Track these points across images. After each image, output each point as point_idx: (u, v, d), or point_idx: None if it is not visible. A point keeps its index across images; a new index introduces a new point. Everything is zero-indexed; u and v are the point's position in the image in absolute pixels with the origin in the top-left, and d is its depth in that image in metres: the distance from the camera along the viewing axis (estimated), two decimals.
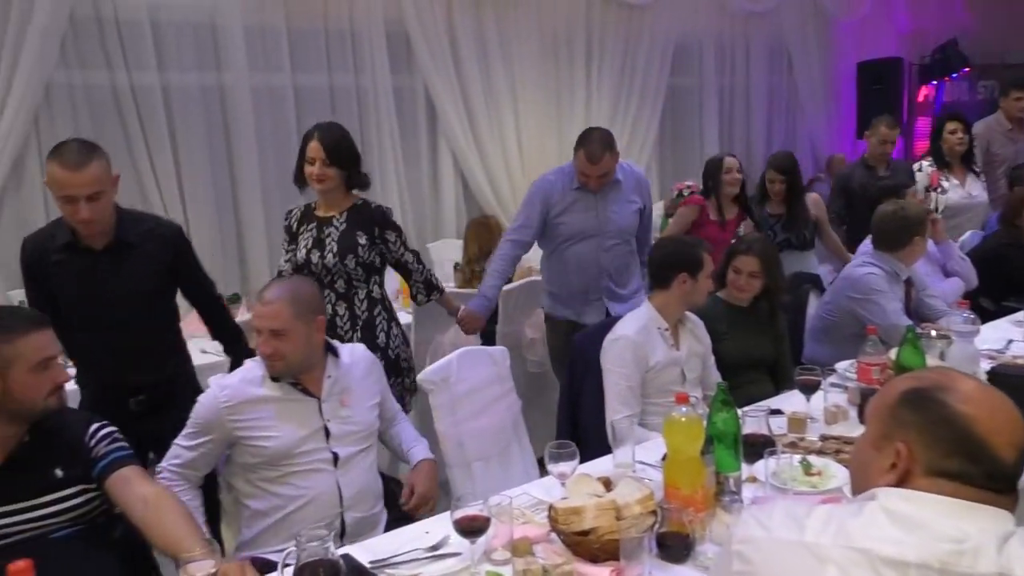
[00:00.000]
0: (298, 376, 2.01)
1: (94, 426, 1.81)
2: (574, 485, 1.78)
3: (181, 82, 4.41)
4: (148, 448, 2.26)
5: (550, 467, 1.86)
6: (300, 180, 2.77)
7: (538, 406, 3.56)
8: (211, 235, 4.54)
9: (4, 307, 1.78)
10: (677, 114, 6.72)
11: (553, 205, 3.26)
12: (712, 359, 2.70)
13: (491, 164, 5.56)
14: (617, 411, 2.41)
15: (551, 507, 1.67)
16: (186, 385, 2.46)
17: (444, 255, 4.95)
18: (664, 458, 1.81)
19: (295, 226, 2.80)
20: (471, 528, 1.56)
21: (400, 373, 2.80)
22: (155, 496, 1.70)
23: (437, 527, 1.78)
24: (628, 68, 6.19)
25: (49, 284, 2.29)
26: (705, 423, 1.79)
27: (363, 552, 1.70)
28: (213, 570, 1.42)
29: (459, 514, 1.57)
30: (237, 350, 2.60)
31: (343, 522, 1.98)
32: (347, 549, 1.71)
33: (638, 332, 2.48)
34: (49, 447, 1.74)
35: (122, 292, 2.29)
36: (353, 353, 2.14)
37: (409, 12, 5.04)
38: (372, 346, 2.64)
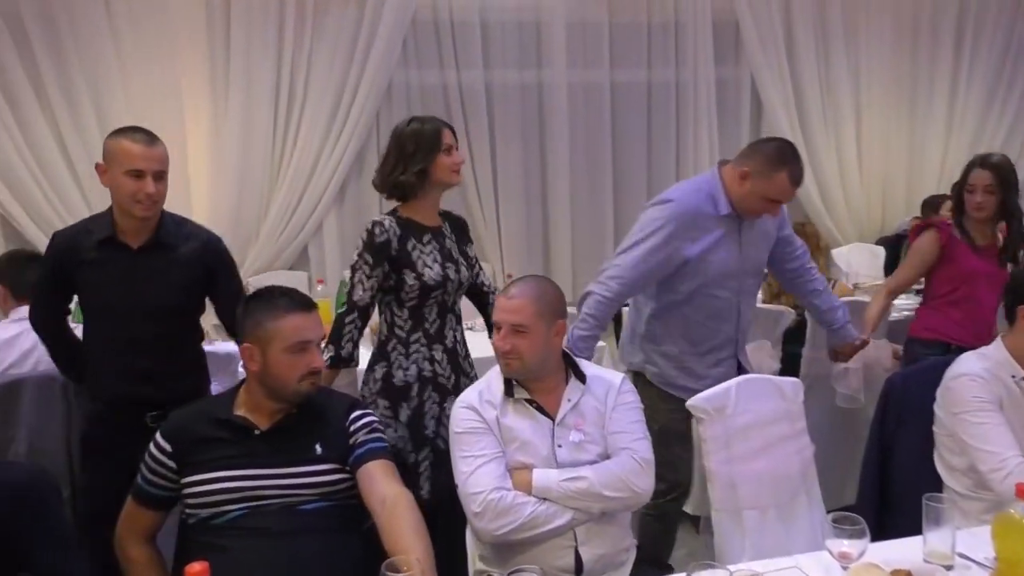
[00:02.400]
0: (535, 394, 1.88)
1: (355, 412, 1.84)
2: None
3: (503, 79, 4.57)
4: None
5: (828, 544, 1.48)
6: (401, 184, 2.25)
7: (845, 451, 3.04)
8: (518, 230, 4.66)
9: (277, 287, 1.86)
10: None
11: (690, 233, 2.34)
12: None
13: (821, 163, 4.99)
14: (994, 453, 1.89)
15: None
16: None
17: None
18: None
19: (395, 242, 2.23)
20: None
21: None
22: (392, 499, 1.67)
23: None
24: (1013, 50, 5.15)
25: (74, 284, 2.17)
26: None
27: None
28: None
29: None
30: None
31: (578, 557, 1.80)
32: None
33: (985, 371, 1.96)
34: (313, 424, 1.80)
35: (157, 296, 2.16)
36: (603, 382, 1.94)
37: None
38: (471, 370, 2.38)
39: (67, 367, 2.31)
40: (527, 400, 1.87)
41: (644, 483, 1.82)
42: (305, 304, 1.82)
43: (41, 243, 3.94)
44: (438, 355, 2.30)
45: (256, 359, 1.76)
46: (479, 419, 1.83)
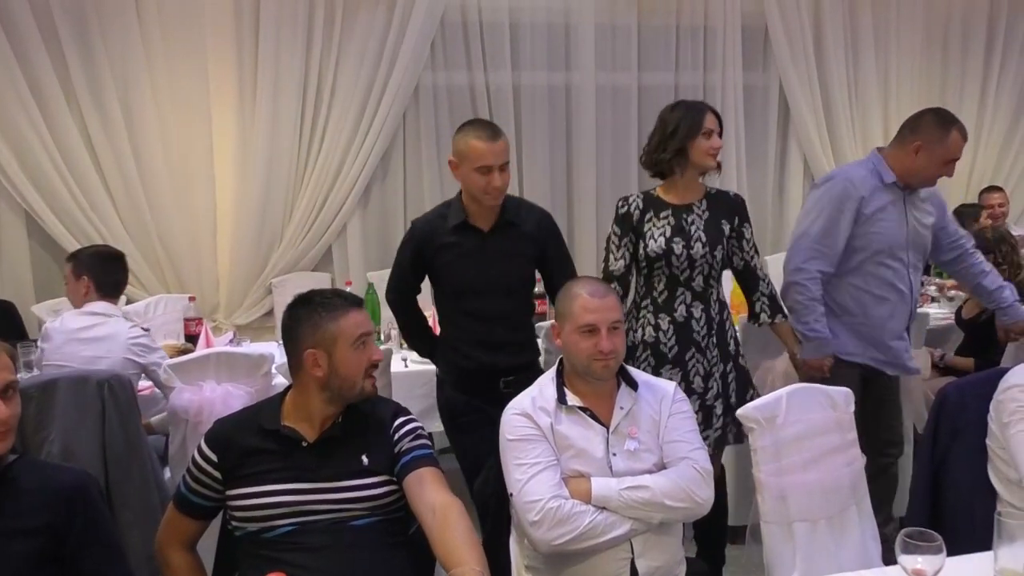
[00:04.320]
0: (588, 400, 1.84)
1: (400, 419, 1.79)
2: None
3: (531, 81, 4.54)
4: None
5: (902, 559, 1.43)
6: (659, 162, 2.44)
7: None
8: None
9: (327, 289, 1.84)
10: None
11: (864, 203, 2.55)
12: None
13: None
14: None
15: None
16: (538, 373, 2.49)
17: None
18: None
19: (636, 215, 2.45)
20: None
21: (749, 385, 2.59)
22: (443, 507, 1.62)
23: None
24: None
25: (434, 265, 2.40)
26: None
27: None
28: None
29: None
30: None
31: (634, 570, 1.75)
32: None
33: None
34: (358, 433, 1.76)
35: (506, 271, 2.38)
36: (655, 389, 1.91)
37: (771, 4, 4.69)
38: (723, 353, 2.49)
39: (418, 341, 2.61)
40: (580, 408, 1.83)
41: (705, 493, 1.78)
42: (357, 301, 1.82)
43: (67, 241, 3.93)
44: (663, 324, 2.45)
45: (322, 363, 1.71)
46: (533, 426, 1.79)
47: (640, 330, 2.46)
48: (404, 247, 2.47)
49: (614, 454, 1.79)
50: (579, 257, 4.68)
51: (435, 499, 1.65)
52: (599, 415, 1.83)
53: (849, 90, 4.89)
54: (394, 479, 1.73)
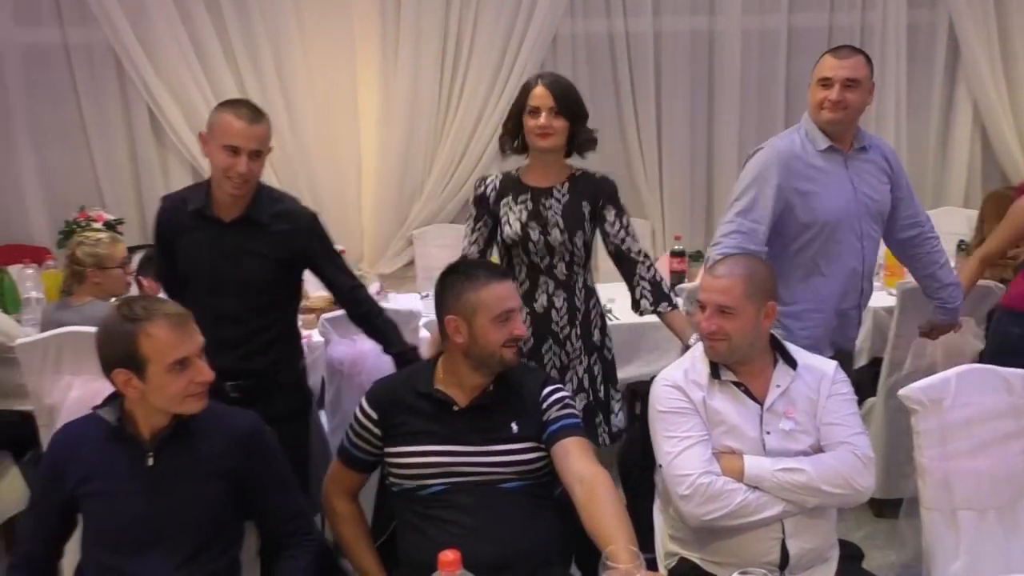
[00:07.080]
0: (742, 376, 1.80)
1: (548, 388, 1.83)
2: None
3: (673, 27, 4.35)
4: None
5: None
6: (511, 142, 2.32)
7: None
8: (682, 185, 4.50)
9: (471, 259, 1.86)
10: None
11: (795, 175, 2.30)
12: None
13: None
14: None
15: None
16: (288, 380, 2.28)
17: (946, 227, 4.15)
18: None
19: (492, 196, 2.29)
20: None
21: (614, 381, 2.39)
22: (590, 479, 1.65)
23: None
24: None
25: (174, 247, 2.20)
26: None
27: None
28: None
29: None
30: (379, 333, 2.30)
31: (784, 551, 1.72)
32: None
33: None
34: (509, 401, 1.81)
35: (240, 271, 2.14)
36: (814, 368, 1.83)
37: None
38: (587, 345, 2.29)
39: None
40: (735, 383, 1.80)
41: (866, 481, 1.72)
42: (503, 273, 1.84)
43: None
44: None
45: (462, 331, 1.77)
46: (685, 399, 1.78)
47: None
48: (155, 226, 2.25)
49: (768, 433, 1.75)
50: (717, 216, 4.52)
51: (583, 470, 1.68)
52: (753, 391, 1.79)
53: None
54: (542, 446, 1.77)
